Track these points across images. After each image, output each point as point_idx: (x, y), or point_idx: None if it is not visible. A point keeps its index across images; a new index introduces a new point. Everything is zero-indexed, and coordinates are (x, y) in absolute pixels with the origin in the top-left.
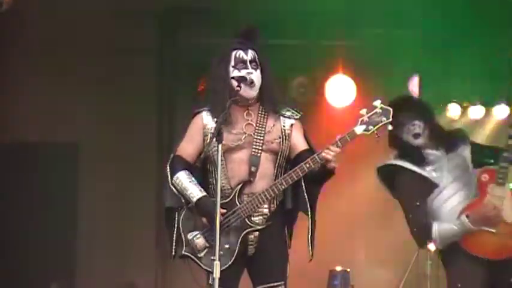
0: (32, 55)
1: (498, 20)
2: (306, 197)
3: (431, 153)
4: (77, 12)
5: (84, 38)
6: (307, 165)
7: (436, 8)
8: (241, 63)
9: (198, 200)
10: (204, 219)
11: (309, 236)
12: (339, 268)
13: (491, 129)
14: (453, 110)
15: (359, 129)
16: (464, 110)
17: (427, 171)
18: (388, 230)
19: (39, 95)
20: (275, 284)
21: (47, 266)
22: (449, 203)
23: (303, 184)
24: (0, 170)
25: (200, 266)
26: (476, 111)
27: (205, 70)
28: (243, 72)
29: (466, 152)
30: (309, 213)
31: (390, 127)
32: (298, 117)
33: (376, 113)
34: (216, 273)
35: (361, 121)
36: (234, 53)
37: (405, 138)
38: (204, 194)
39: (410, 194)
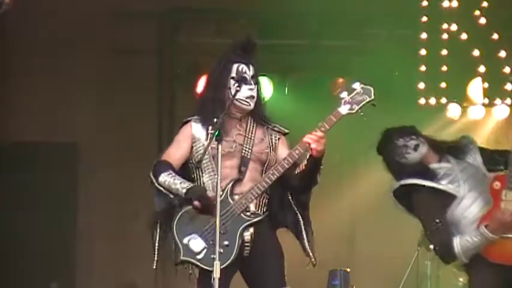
0: (32, 55)
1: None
2: (296, 210)
3: (441, 166)
4: (77, 12)
5: (84, 38)
6: (297, 152)
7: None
8: (243, 78)
9: (189, 188)
10: (196, 203)
11: (306, 243)
12: (339, 268)
13: (491, 129)
14: (453, 110)
15: (343, 110)
16: (464, 110)
17: (443, 185)
18: (388, 230)
19: (39, 95)
20: None
21: (47, 266)
22: (469, 212)
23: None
24: (0, 170)
25: (201, 268)
26: (476, 111)
27: (205, 70)
28: (245, 88)
29: (477, 158)
30: (301, 223)
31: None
32: (285, 132)
33: (358, 92)
34: (216, 273)
35: (344, 101)
36: (236, 66)
37: (407, 158)
38: (193, 184)
39: (429, 210)
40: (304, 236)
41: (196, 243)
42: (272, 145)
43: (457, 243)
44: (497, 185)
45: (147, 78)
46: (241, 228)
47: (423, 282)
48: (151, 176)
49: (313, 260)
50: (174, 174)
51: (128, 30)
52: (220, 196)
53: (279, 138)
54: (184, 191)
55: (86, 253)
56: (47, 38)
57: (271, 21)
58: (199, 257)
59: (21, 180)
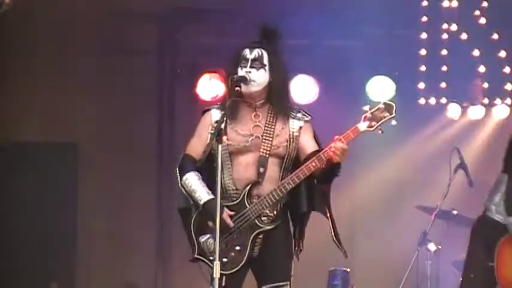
0: (32, 55)
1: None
2: (317, 195)
3: None
4: (76, 12)
5: (84, 38)
6: (313, 164)
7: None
8: (244, 61)
9: (205, 203)
10: (210, 223)
11: (333, 235)
12: (339, 268)
13: (491, 129)
14: (453, 110)
15: (362, 126)
16: (464, 110)
17: None
18: (388, 230)
19: (39, 95)
20: (280, 284)
21: (47, 266)
22: None
23: (316, 185)
24: (0, 170)
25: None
26: (476, 111)
27: (205, 70)
28: (243, 71)
29: None
30: (327, 213)
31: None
32: (308, 119)
33: (379, 108)
34: (216, 274)
35: (364, 117)
36: (242, 51)
37: None
38: (212, 196)
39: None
40: (331, 227)
41: (210, 244)
42: (292, 137)
43: None
44: None
45: (147, 78)
46: (253, 235)
47: (423, 282)
48: (177, 173)
49: (343, 251)
50: (196, 175)
51: (128, 30)
52: (237, 199)
53: (300, 127)
54: (201, 203)
55: (86, 253)
56: (47, 38)
57: (271, 21)
58: (212, 258)
59: (21, 180)
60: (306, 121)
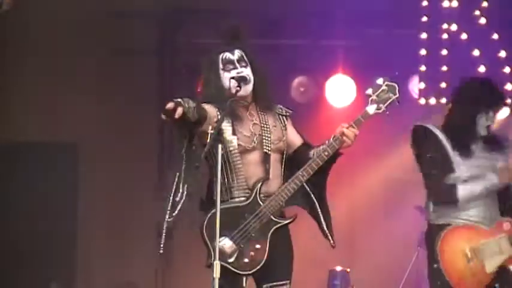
0: (32, 55)
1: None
2: (308, 190)
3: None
4: (77, 12)
5: (84, 38)
6: (326, 153)
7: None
8: (229, 64)
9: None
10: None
11: (324, 225)
12: (339, 268)
13: None
14: None
15: (371, 109)
16: None
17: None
18: (388, 230)
19: (39, 95)
20: (281, 282)
21: (47, 266)
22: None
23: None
24: (0, 170)
25: (233, 271)
26: None
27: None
28: (233, 73)
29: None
30: (317, 204)
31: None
32: (290, 113)
33: (383, 90)
34: (216, 274)
35: (371, 101)
36: (220, 56)
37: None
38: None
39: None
40: (321, 217)
41: (227, 247)
42: (285, 132)
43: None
44: None
45: (147, 78)
46: (271, 231)
47: (423, 282)
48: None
49: (332, 242)
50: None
51: (128, 30)
52: (249, 198)
53: (285, 121)
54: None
55: (86, 253)
56: (47, 38)
57: (271, 21)
58: (230, 260)
59: (21, 180)
60: (288, 116)
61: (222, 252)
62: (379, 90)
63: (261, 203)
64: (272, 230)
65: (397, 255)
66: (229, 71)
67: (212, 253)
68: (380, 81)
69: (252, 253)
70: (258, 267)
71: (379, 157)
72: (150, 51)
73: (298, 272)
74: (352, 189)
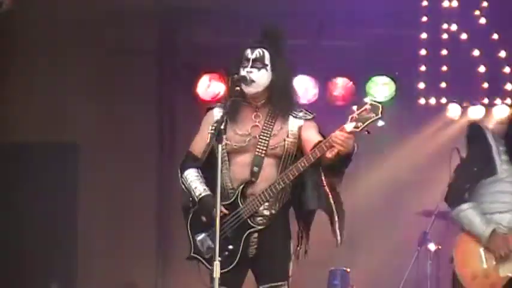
0: (32, 55)
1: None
2: (323, 192)
3: None
4: (77, 12)
5: (84, 38)
6: (313, 155)
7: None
8: (245, 61)
9: (201, 198)
10: (203, 218)
11: (336, 224)
12: (339, 268)
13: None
14: (453, 110)
15: (349, 127)
16: (464, 110)
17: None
18: (388, 230)
19: (39, 95)
20: (277, 284)
21: (47, 266)
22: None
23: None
24: (0, 170)
25: (208, 268)
26: (476, 111)
27: (205, 70)
28: (244, 71)
29: None
30: (333, 206)
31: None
32: (309, 117)
33: (365, 109)
34: (216, 273)
35: (351, 118)
36: (244, 52)
37: None
38: (208, 193)
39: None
40: (335, 215)
41: (205, 242)
42: (290, 136)
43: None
44: None
45: (147, 78)
46: (245, 234)
47: (423, 282)
48: (179, 170)
49: (339, 242)
50: (196, 172)
51: (128, 30)
52: (231, 198)
53: (300, 127)
54: (196, 199)
55: (86, 253)
56: (47, 38)
57: (272, 21)
58: (207, 256)
59: (21, 180)
60: (306, 119)
61: (200, 248)
62: (362, 109)
63: (240, 204)
64: (246, 233)
65: (397, 255)
66: (243, 68)
67: (193, 247)
68: (367, 99)
69: (226, 253)
70: (229, 267)
71: (379, 157)
72: (149, 51)
73: (298, 272)
74: (353, 189)
